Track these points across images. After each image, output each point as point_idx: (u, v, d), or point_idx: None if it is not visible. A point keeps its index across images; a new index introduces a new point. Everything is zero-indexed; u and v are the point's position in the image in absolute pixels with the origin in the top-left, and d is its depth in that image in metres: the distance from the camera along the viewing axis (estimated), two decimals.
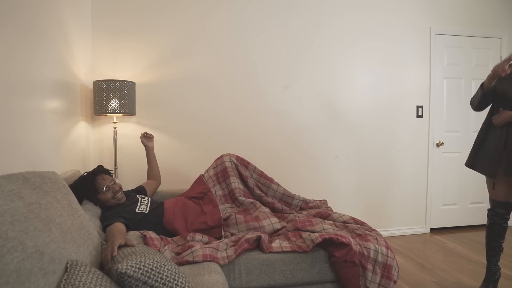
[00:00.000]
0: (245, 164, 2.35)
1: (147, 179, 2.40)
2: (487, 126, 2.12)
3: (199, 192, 2.18)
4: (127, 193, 2.07)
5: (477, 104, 2.12)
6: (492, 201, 2.11)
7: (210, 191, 2.16)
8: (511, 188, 2.03)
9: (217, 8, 2.89)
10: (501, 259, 2.74)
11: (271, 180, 2.32)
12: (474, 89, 3.54)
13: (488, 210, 2.15)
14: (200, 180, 2.30)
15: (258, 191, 2.27)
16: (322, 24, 3.10)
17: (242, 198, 2.16)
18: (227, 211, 2.04)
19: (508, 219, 2.09)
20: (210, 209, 1.96)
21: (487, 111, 2.16)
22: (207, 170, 2.36)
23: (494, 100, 2.09)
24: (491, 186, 2.09)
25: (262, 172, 2.35)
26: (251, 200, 2.16)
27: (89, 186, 1.81)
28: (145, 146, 2.39)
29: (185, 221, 1.89)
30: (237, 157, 2.37)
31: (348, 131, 3.19)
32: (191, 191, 2.22)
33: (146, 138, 2.38)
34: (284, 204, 2.28)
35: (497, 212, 2.08)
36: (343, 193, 3.21)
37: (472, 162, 2.18)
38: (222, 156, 2.37)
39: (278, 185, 2.31)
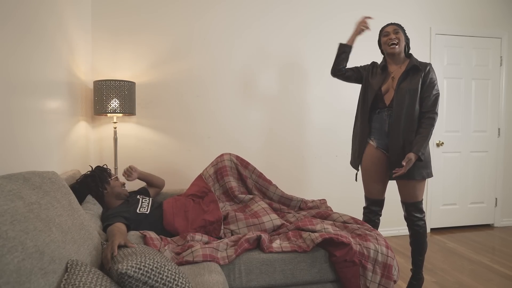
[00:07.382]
0: (245, 164, 2.33)
1: (149, 187, 2.33)
2: (355, 122, 2.26)
3: (199, 190, 2.18)
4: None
5: (334, 62, 2.21)
6: (366, 199, 2.24)
7: (211, 191, 2.16)
8: (384, 187, 2.19)
9: (216, 7, 2.89)
10: (501, 259, 2.75)
11: (270, 182, 2.30)
12: (474, 89, 3.54)
13: (364, 208, 2.27)
14: (200, 178, 2.29)
15: (256, 192, 2.27)
16: (321, 22, 3.10)
17: (241, 196, 2.16)
18: (226, 208, 2.05)
19: (381, 215, 2.24)
20: (211, 208, 1.97)
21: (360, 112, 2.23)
22: (207, 168, 2.34)
23: (363, 94, 2.18)
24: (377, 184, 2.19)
25: (261, 173, 2.32)
26: (250, 196, 2.17)
27: (98, 175, 1.91)
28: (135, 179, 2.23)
29: (186, 221, 1.89)
30: (237, 157, 2.35)
31: (350, 130, 3.19)
32: (190, 190, 2.22)
33: (127, 174, 2.17)
34: (282, 205, 2.28)
35: (371, 209, 2.21)
36: (343, 192, 3.21)
37: (353, 160, 2.27)
38: (222, 155, 2.36)
39: (276, 187, 2.29)
